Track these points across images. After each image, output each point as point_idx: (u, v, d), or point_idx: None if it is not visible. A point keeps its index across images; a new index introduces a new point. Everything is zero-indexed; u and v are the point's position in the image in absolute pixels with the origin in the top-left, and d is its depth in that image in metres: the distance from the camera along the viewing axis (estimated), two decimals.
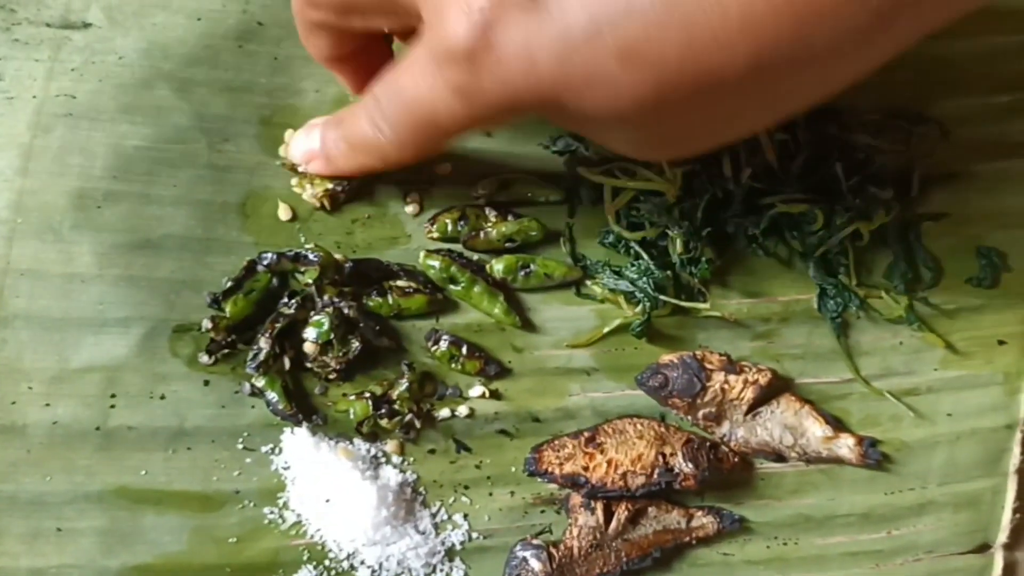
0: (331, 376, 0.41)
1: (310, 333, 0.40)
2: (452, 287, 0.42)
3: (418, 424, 0.41)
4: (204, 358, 0.40)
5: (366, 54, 0.39)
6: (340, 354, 0.40)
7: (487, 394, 0.42)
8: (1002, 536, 0.44)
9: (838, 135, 0.44)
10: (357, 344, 0.40)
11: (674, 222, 0.42)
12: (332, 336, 0.40)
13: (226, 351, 0.41)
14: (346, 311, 0.40)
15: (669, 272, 0.43)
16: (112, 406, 0.40)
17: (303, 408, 0.41)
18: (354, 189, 0.42)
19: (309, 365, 0.41)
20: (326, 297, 0.40)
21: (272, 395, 0.40)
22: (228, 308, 0.40)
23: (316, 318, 0.40)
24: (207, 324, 0.40)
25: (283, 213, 0.42)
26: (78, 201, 0.40)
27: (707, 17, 0.27)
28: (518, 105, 0.31)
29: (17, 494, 0.39)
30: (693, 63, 0.27)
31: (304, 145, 0.41)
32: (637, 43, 0.27)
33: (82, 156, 0.41)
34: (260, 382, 0.40)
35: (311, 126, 0.41)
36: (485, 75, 0.30)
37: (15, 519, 0.39)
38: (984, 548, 0.44)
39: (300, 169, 0.42)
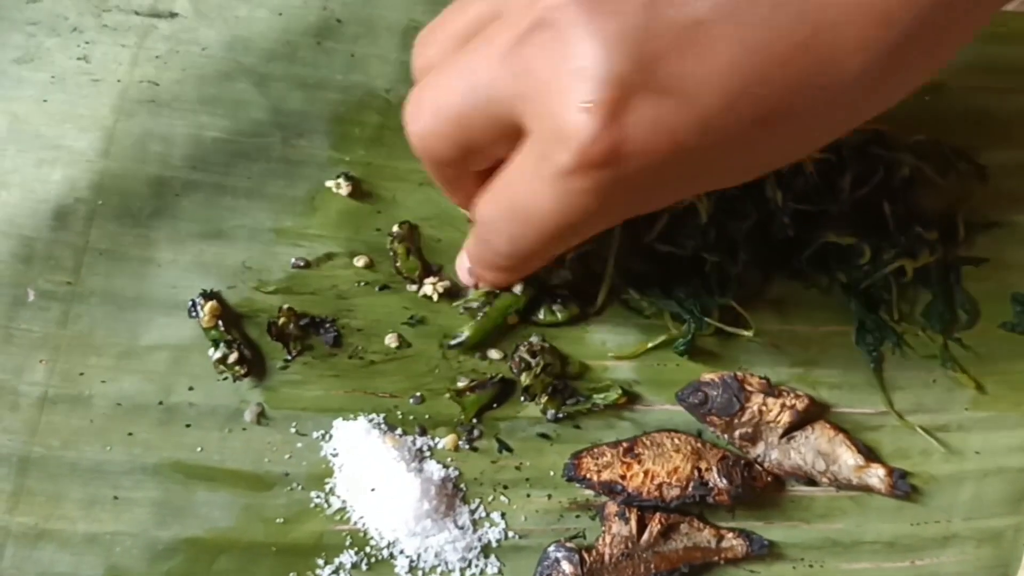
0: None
1: None
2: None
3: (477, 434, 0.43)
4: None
5: None
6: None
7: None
8: (1021, 573, 0.45)
9: (883, 154, 0.46)
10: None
11: (710, 245, 0.44)
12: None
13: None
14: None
15: (717, 296, 0.44)
16: (175, 384, 0.41)
17: None
18: None
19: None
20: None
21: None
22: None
23: None
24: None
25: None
26: (158, 189, 0.42)
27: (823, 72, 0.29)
28: (663, 183, 0.30)
29: (78, 461, 0.40)
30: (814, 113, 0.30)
31: (464, 275, 0.43)
32: (772, 109, 0.29)
33: (162, 144, 0.42)
34: None
35: (461, 255, 0.43)
36: (629, 166, 0.28)
37: (75, 485, 0.40)
38: None
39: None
